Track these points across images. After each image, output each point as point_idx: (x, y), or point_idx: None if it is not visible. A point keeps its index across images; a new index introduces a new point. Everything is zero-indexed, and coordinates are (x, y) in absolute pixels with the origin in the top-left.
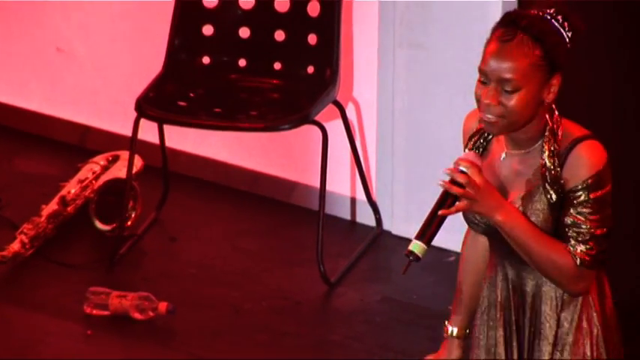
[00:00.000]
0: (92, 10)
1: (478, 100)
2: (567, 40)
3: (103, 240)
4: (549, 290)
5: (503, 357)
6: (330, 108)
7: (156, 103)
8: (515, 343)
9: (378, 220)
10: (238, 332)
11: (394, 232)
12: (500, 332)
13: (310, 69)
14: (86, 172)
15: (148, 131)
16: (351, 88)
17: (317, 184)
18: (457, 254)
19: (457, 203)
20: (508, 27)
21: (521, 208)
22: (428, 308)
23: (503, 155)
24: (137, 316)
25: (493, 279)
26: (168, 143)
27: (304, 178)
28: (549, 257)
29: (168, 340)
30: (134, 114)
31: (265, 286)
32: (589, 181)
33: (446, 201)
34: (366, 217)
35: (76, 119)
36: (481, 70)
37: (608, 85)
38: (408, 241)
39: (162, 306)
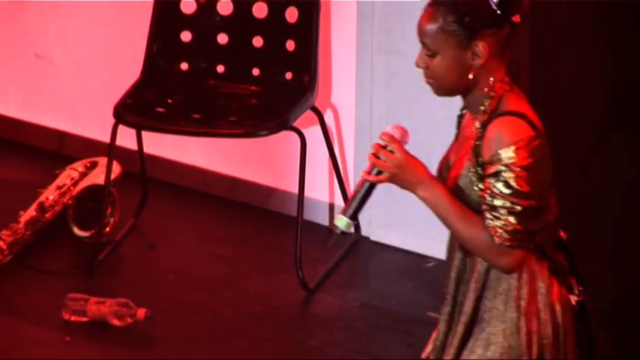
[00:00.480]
0: (70, 16)
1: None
2: (494, 7)
3: (82, 246)
4: (478, 265)
5: (443, 330)
6: (309, 114)
7: (134, 109)
8: (450, 319)
9: (357, 226)
10: (217, 338)
11: (373, 238)
12: (447, 309)
13: (288, 75)
14: (64, 178)
15: (127, 137)
16: (329, 95)
17: (295, 190)
18: (436, 260)
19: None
20: None
21: (463, 180)
22: (407, 314)
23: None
24: (115, 322)
25: (450, 257)
26: (147, 149)
27: (283, 184)
28: (468, 232)
29: (147, 347)
30: (112, 120)
31: (244, 292)
32: (501, 155)
33: (370, 176)
34: None
35: (54, 125)
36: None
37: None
38: (387, 247)
39: (141, 312)
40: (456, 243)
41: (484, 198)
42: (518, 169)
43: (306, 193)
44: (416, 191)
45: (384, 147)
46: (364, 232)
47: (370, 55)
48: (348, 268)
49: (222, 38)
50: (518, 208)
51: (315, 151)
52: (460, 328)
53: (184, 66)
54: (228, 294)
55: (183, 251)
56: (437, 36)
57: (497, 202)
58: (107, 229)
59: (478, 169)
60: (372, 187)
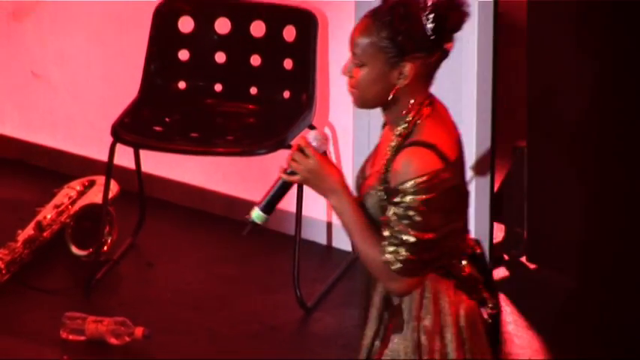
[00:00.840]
0: (67, 34)
1: None
2: (429, 32)
3: (80, 265)
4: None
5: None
6: (306, 133)
7: (132, 128)
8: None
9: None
10: (214, 357)
11: None
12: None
13: (286, 94)
14: (62, 197)
15: (124, 156)
16: (327, 113)
17: (293, 208)
18: None
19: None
20: (377, 7)
21: (371, 198)
22: None
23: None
24: (113, 341)
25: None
26: (145, 168)
27: (280, 203)
28: (365, 250)
29: None
30: (110, 139)
31: (241, 311)
32: (405, 186)
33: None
34: (342, 241)
35: (52, 144)
36: None
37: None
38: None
39: (139, 331)
40: None
41: (384, 223)
42: (419, 202)
43: (304, 212)
44: (327, 197)
45: (302, 150)
46: None
47: None
48: (346, 286)
49: (220, 57)
50: (412, 240)
51: None
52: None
53: (182, 85)
54: (226, 313)
55: (180, 270)
56: (368, 48)
57: (394, 231)
58: (105, 248)
59: (382, 193)
60: (285, 185)
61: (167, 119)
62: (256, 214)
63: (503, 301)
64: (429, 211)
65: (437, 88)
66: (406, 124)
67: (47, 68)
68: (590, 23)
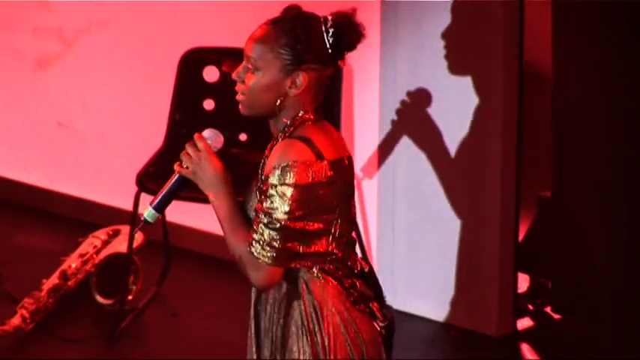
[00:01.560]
0: (93, 85)
1: None
2: (327, 44)
3: (104, 314)
4: (274, 292)
5: (253, 348)
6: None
7: (156, 177)
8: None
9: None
10: None
11: (395, 306)
12: (252, 325)
13: None
14: (87, 246)
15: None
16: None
17: None
18: (459, 329)
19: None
20: (279, 15)
21: (254, 199)
22: None
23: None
24: None
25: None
26: (169, 218)
27: None
28: (235, 243)
29: None
30: (135, 188)
31: None
32: (274, 170)
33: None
34: None
35: (77, 193)
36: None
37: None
38: (411, 316)
39: None
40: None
41: (255, 211)
42: (287, 187)
43: None
44: (207, 191)
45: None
46: (387, 301)
47: (393, 124)
48: None
49: None
50: (277, 224)
51: None
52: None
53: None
54: None
55: (205, 319)
56: (264, 54)
57: (261, 215)
58: (130, 297)
59: (261, 185)
60: (179, 182)
61: None
62: (148, 212)
63: (528, 351)
64: (296, 197)
65: (461, 137)
66: (288, 128)
67: (72, 118)
68: (617, 72)
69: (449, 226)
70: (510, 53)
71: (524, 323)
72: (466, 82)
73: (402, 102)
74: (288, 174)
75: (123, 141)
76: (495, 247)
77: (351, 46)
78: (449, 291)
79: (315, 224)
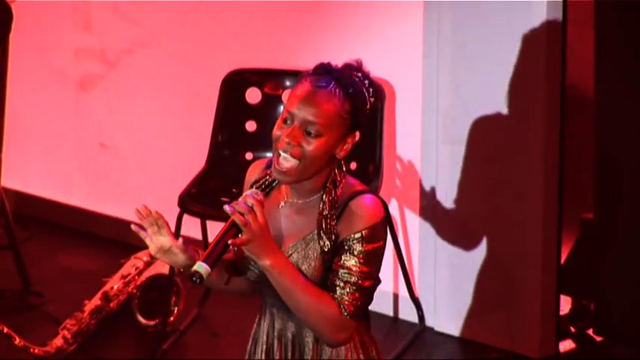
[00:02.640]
0: (135, 106)
1: (277, 140)
2: (368, 105)
3: (146, 335)
4: (310, 337)
5: None
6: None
7: (199, 198)
8: None
9: (421, 316)
10: None
11: (437, 328)
12: None
13: (353, 165)
14: (129, 267)
15: (191, 227)
16: (394, 184)
17: None
18: (500, 351)
19: (240, 236)
20: (323, 75)
21: (295, 255)
22: None
23: (282, 204)
24: None
25: (260, 323)
26: (211, 239)
27: None
28: (315, 305)
29: None
30: (177, 209)
31: None
32: (364, 232)
33: (230, 230)
34: (408, 313)
35: (119, 215)
36: (288, 112)
37: None
38: (451, 338)
39: None
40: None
41: (336, 272)
42: (376, 248)
43: None
44: (265, 258)
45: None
46: (429, 322)
47: (435, 144)
48: (412, 359)
49: None
50: (370, 284)
51: None
52: None
53: (249, 156)
54: None
55: (246, 341)
56: (331, 120)
57: (352, 278)
58: (171, 318)
59: (325, 243)
60: (228, 245)
61: (234, 190)
62: (202, 268)
63: None
64: (378, 257)
65: (503, 159)
66: (334, 184)
67: (115, 139)
68: None
69: (491, 248)
70: (552, 75)
71: (566, 345)
72: (508, 104)
73: (444, 124)
74: (377, 234)
75: (165, 162)
76: (538, 269)
77: (378, 100)
78: (491, 312)
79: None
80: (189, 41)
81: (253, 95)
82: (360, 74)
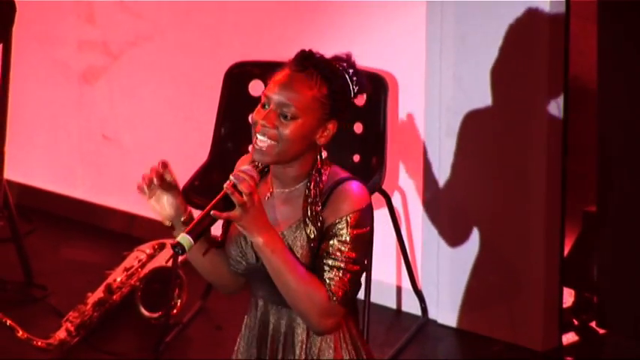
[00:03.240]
0: (138, 98)
1: (254, 124)
2: (352, 93)
3: (149, 328)
4: (302, 330)
5: None
6: (376, 196)
7: (202, 191)
8: None
9: (424, 308)
10: None
11: (440, 320)
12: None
13: (356, 157)
14: (132, 260)
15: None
16: (397, 177)
17: None
18: (503, 343)
19: (232, 211)
20: (302, 60)
21: (285, 243)
22: None
23: (268, 195)
24: None
25: (251, 317)
26: (215, 231)
27: None
28: (304, 288)
29: None
30: None
31: None
32: (350, 217)
33: (220, 204)
34: (411, 305)
35: (122, 207)
36: (265, 96)
37: None
38: (454, 330)
39: None
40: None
41: (323, 258)
42: (362, 233)
43: (374, 276)
44: (258, 235)
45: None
46: (431, 314)
47: (438, 136)
48: (415, 351)
49: None
50: (357, 269)
51: (382, 233)
52: None
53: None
54: None
55: None
56: (307, 102)
57: (339, 263)
58: (174, 311)
59: (311, 230)
60: (215, 219)
61: None
62: (185, 239)
63: None
64: (365, 242)
65: (506, 151)
66: (318, 172)
67: (118, 131)
68: None
69: (493, 240)
70: (555, 68)
71: (569, 338)
72: (510, 96)
73: (446, 116)
74: (363, 219)
75: (168, 154)
76: (540, 262)
77: (365, 91)
78: (493, 305)
79: (365, 264)
80: (192, 34)
81: (256, 88)
82: (345, 64)
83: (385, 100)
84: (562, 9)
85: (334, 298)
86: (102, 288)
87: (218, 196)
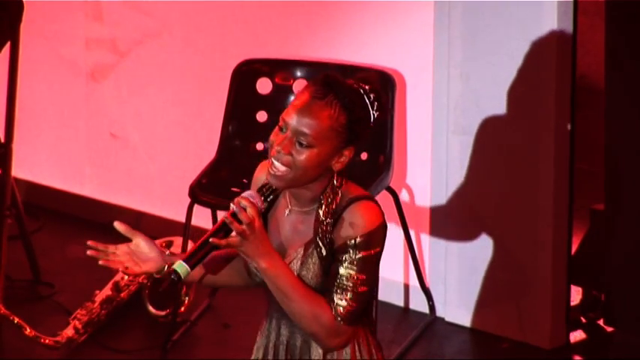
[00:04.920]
0: (146, 95)
1: (271, 146)
2: (372, 119)
3: (156, 326)
4: (317, 347)
5: None
6: (384, 194)
7: (209, 189)
8: None
9: (432, 306)
10: None
11: (447, 318)
12: None
13: (364, 155)
14: None
15: (202, 217)
16: (404, 175)
17: None
18: (511, 341)
19: (230, 237)
20: (323, 86)
21: (296, 261)
22: None
23: (287, 212)
24: None
25: (266, 330)
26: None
27: None
28: (310, 309)
29: None
30: (188, 200)
31: None
32: (358, 240)
33: (220, 231)
34: (419, 303)
35: (130, 205)
36: (283, 119)
37: None
38: (462, 328)
39: None
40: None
41: (333, 279)
42: (372, 255)
43: (381, 274)
44: (260, 261)
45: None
46: (439, 312)
47: (445, 135)
48: (422, 349)
49: None
50: (366, 290)
51: (389, 231)
52: None
53: (260, 146)
54: None
55: (257, 331)
56: (324, 132)
57: (347, 284)
58: (182, 308)
59: (322, 250)
60: (216, 246)
61: (245, 180)
62: (182, 267)
63: None
64: (375, 264)
65: (513, 149)
66: (333, 191)
67: (125, 129)
68: None
69: (501, 238)
70: (563, 66)
71: (576, 336)
72: (518, 95)
73: (454, 115)
74: (373, 241)
75: (176, 152)
76: (548, 260)
77: (384, 112)
78: (501, 303)
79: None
80: (199, 32)
81: (264, 85)
82: (366, 87)
83: (393, 98)
84: (570, 6)
85: (340, 319)
86: (109, 286)
87: (217, 224)
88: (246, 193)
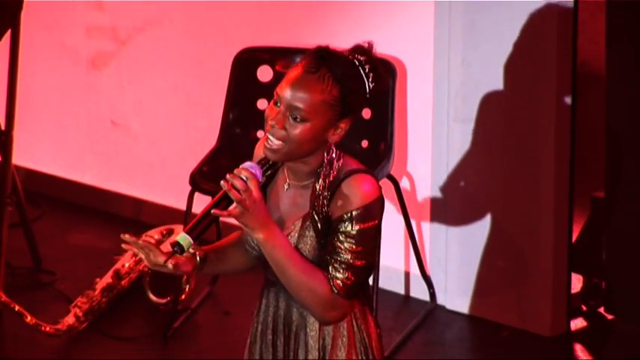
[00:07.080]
0: (146, 83)
1: (266, 121)
2: (367, 90)
3: (157, 314)
4: (314, 321)
5: None
6: (384, 182)
7: (210, 176)
8: None
9: (432, 294)
10: None
11: (448, 306)
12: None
13: (364, 143)
14: None
15: (202, 205)
16: (405, 163)
17: None
18: (511, 329)
19: (231, 208)
20: (315, 60)
21: (294, 234)
22: None
23: (286, 186)
24: None
25: (264, 305)
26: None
27: None
28: (307, 281)
29: None
30: (188, 188)
31: None
32: (355, 212)
33: (221, 202)
34: (420, 291)
35: (131, 193)
36: (277, 93)
37: None
38: (463, 316)
39: None
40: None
41: (330, 251)
42: (368, 227)
43: (382, 261)
44: (259, 232)
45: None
46: (440, 300)
47: (446, 122)
48: (423, 336)
49: None
50: (364, 263)
51: (390, 219)
52: None
53: (260, 134)
54: None
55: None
56: (316, 106)
57: (343, 257)
58: (183, 296)
59: (319, 223)
60: (215, 218)
61: None
62: (184, 239)
63: (581, 351)
64: (372, 236)
65: (514, 137)
66: (330, 164)
67: (126, 117)
68: None
69: (502, 226)
70: (564, 53)
71: (577, 324)
72: (519, 83)
73: (455, 102)
74: (369, 213)
75: (176, 140)
76: (549, 247)
77: (381, 83)
78: (502, 290)
79: (374, 256)
80: (200, 19)
81: (265, 73)
82: (362, 58)
83: (393, 86)
84: None
85: (336, 292)
86: (110, 273)
87: (217, 195)
88: (245, 164)
